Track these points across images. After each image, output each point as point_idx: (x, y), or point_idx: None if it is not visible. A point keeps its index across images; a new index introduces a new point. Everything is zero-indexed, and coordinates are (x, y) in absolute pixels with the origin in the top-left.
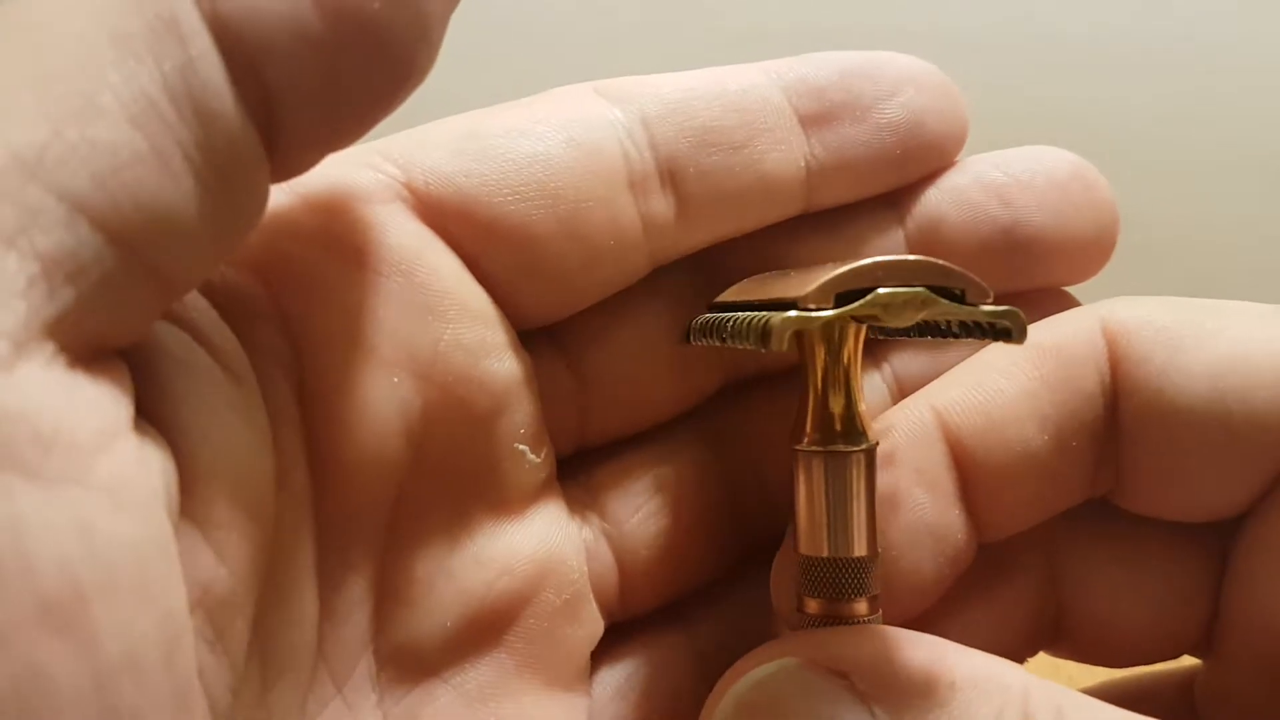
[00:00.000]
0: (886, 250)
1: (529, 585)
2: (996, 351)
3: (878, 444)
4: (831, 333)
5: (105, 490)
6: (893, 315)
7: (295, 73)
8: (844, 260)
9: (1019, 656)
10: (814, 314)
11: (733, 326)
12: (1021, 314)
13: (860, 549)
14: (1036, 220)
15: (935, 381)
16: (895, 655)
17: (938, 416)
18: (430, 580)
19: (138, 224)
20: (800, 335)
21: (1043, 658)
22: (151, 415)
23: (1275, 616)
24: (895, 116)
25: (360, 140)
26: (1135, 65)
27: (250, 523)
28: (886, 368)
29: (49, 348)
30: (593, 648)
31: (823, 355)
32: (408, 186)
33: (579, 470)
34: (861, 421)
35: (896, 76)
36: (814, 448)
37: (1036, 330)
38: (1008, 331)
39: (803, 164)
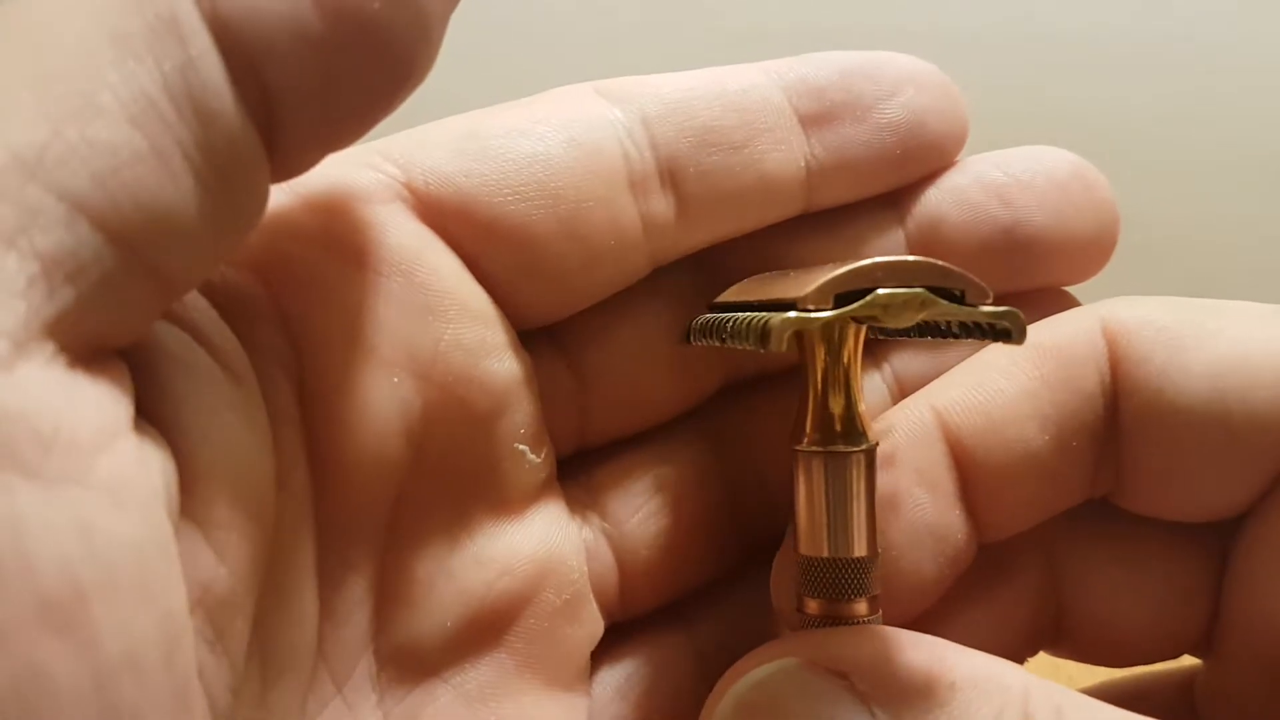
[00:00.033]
0: (887, 250)
1: (529, 585)
2: (997, 351)
3: (878, 444)
4: (831, 333)
5: (105, 490)
6: (892, 316)
7: (295, 72)
8: (844, 261)
9: (1019, 656)
10: (813, 315)
11: (732, 327)
12: (1021, 314)
13: (860, 549)
14: (1037, 220)
15: (935, 381)
16: (895, 655)
17: (938, 416)
18: (430, 580)
19: (138, 224)
20: (800, 336)
21: (1043, 658)
22: (151, 415)
23: (1275, 616)
24: (895, 116)
25: (360, 140)
26: (1135, 65)
27: (250, 523)
28: (886, 368)
29: (49, 347)
30: (593, 648)
31: (823, 355)
32: (408, 186)
33: (579, 470)
34: (861, 422)
35: (897, 76)
36: (814, 448)
37: (1037, 330)
38: (1007, 332)
39: (803, 164)
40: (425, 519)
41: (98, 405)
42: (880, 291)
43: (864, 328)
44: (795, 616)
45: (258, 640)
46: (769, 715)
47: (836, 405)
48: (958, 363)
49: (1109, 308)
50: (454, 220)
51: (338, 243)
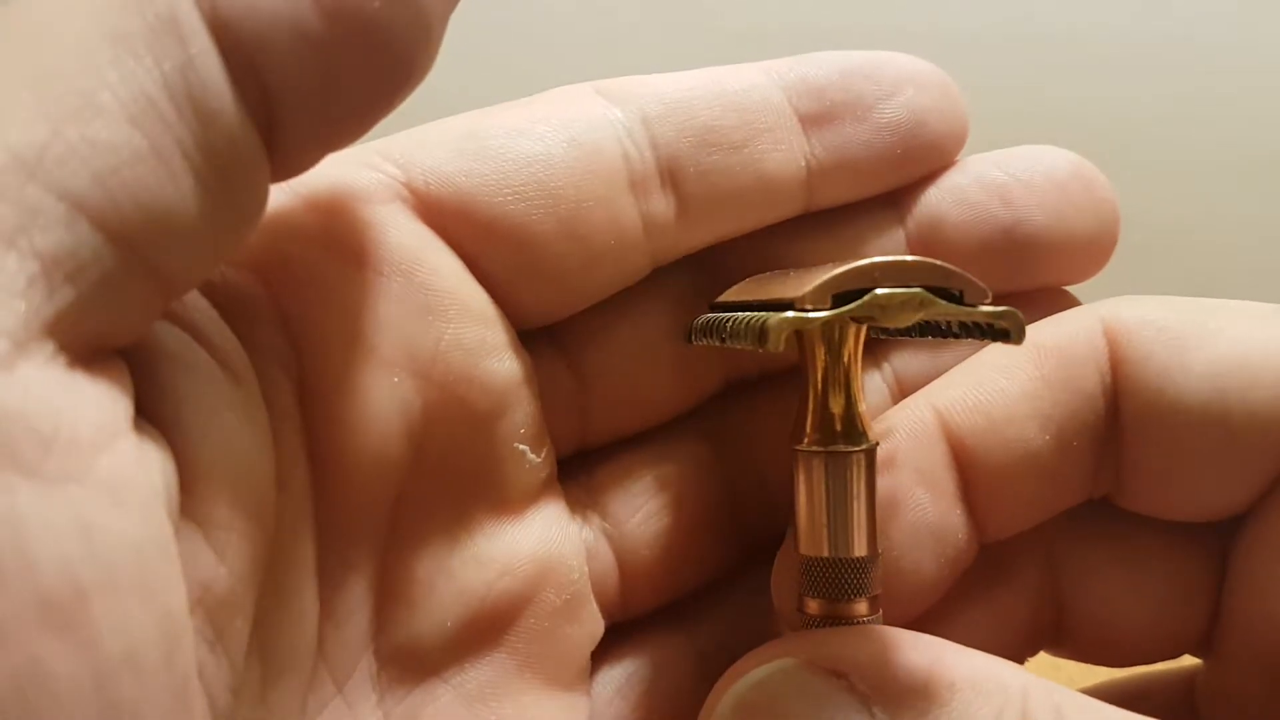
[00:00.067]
0: (887, 250)
1: (529, 585)
2: (997, 351)
3: (878, 444)
4: (831, 333)
5: (105, 489)
6: (891, 316)
7: (295, 72)
8: (843, 260)
9: (1019, 656)
10: (811, 314)
11: (731, 327)
12: (1020, 315)
13: (860, 549)
14: (1037, 220)
15: (935, 381)
16: (895, 656)
17: (938, 416)
18: (430, 580)
19: (137, 223)
20: (800, 335)
21: (1043, 658)
22: (151, 414)
23: (1275, 616)
24: (896, 116)
25: (360, 140)
26: (1135, 65)
27: (250, 523)
28: (886, 368)
29: (49, 347)
30: (593, 648)
31: (823, 355)
32: (408, 186)
33: (579, 470)
34: (861, 421)
35: (897, 76)
36: (814, 448)
37: (1037, 330)
38: (1006, 332)
39: (803, 164)
40: (425, 519)
41: (98, 405)
42: (879, 291)
43: (864, 328)
44: (795, 616)
45: (258, 640)
46: (768, 715)
47: (837, 405)
48: (958, 363)
49: (1109, 307)
50: (454, 220)
51: (338, 243)
